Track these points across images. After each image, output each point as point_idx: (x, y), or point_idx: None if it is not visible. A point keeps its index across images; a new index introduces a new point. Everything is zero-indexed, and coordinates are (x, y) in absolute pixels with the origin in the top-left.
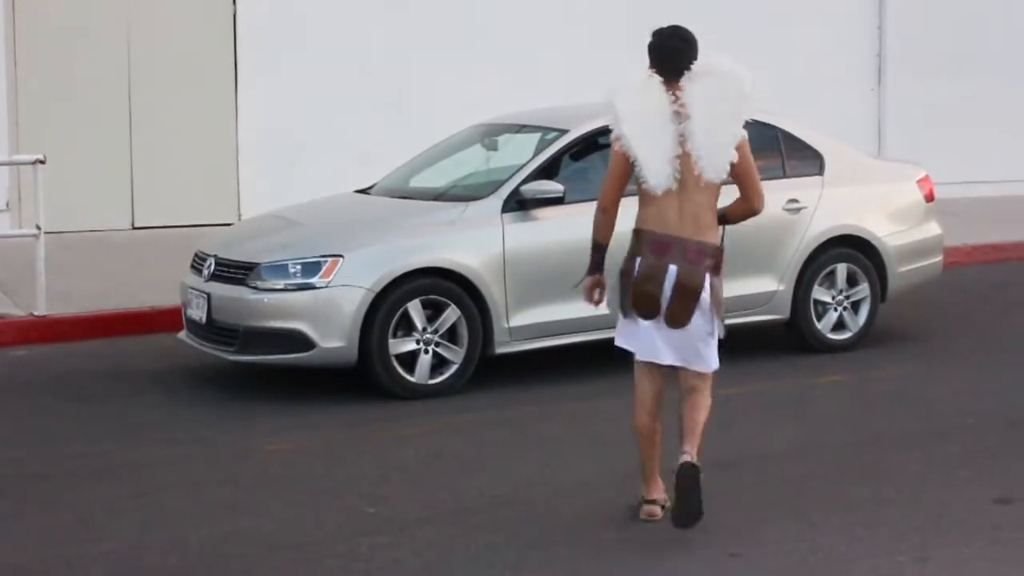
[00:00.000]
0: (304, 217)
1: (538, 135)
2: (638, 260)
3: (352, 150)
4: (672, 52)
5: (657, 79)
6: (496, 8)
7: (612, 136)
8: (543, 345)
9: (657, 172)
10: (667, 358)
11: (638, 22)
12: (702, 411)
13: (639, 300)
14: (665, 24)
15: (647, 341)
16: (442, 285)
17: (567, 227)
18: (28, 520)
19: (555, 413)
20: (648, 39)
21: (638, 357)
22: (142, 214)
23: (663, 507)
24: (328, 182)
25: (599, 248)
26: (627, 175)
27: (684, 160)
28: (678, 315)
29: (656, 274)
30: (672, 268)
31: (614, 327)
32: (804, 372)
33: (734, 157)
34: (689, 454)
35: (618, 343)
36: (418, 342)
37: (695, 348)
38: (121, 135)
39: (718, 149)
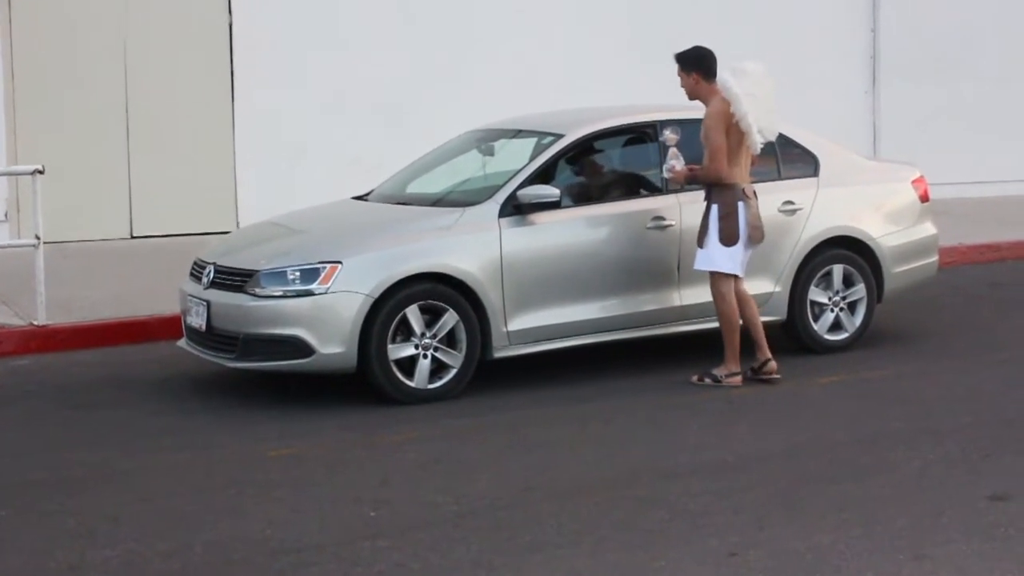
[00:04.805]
0: (302, 224)
1: (534, 140)
2: (741, 205)
3: (349, 158)
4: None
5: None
6: (495, 16)
7: (735, 120)
8: (541, 349)
9: (755, 142)
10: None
11: (639, 28)
12: (759, 317)
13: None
14: (688, 45)
15: (740, 261)
16: (440, 290)
17: (563, 231)
18: (31, 527)
19: (553, 416)
20: (684, 52)
21: (739, 273)
22: (140, 223)
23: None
24: (326, 190)
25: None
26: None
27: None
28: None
29: (758, 212)
30: (755, 205)
31: (610, 331)
32: (801, 373)
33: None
34: (773, 361)
35: (723, 269)
36: (417, 347)
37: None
38: (119, 145)
39: (770, 126)
